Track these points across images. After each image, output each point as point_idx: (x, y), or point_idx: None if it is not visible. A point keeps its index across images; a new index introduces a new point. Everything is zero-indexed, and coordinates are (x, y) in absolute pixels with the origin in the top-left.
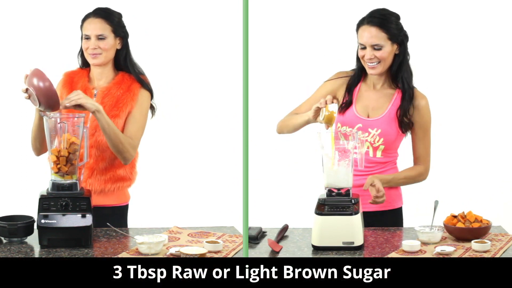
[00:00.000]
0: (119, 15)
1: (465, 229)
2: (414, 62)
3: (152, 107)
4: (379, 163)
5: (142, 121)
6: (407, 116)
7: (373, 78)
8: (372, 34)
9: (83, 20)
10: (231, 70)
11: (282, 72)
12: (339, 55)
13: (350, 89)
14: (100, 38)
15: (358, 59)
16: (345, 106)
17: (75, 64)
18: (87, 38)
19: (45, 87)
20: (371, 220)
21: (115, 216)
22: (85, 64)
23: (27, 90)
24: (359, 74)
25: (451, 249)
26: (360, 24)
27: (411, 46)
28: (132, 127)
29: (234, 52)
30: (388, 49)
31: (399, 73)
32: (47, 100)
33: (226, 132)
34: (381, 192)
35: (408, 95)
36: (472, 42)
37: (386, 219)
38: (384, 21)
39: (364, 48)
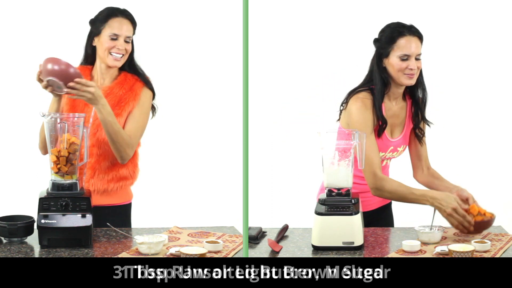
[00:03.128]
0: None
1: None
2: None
3: (153, 108)
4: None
5: (142, 120)
6: (419, 122)
7: (396, 90)
8: (418, 44)
9: (107, 18)
10: (231, 70)
11: (282, 72)
12: (339, 55)
13: (379, 108)
14: (127, 40)
15: (382, 70)
16: (380, 129)
17: (71, 58)
18: (114, 38)
19: (63, 68)
20: (373, 219)
21: (119, 215)
22: (90, 61)
23: (47, 82)
24: (383, 90)
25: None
26: (401, 34)
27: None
28: (131, 126)
29: (234, 52)
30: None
31: (420, 84)
32: (71, 79)
33: (226, 132)
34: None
35: (423, 103)
36: (477, 43)
37: (377, 215)
38: (419, 32)
39: (406, 59)
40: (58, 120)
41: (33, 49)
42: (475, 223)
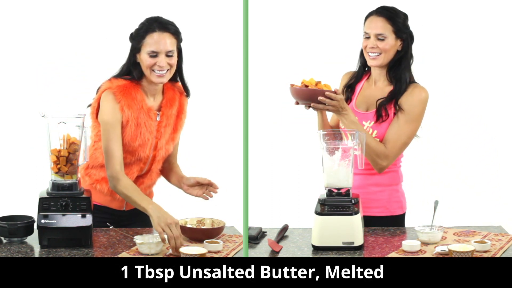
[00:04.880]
0: (178, 28)
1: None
2: (416, 62)
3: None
4: None
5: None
6: (384, 106)
7: (374, 74)
8: (378, 24)
9: (146, 32)
10: (231, 70)
11: (282, 72)
12: (339, 55)
13: (351, 86)
14: (169, 55)
15: (361, 54)
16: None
17: (104, 64)
18: (154, 55)
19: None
20: (369, 224)
21: (141, 216)
22: (137, 76)
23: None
24: (361, 72)
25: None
26: (369, 15)
27: (416, 46)
28: (176, 146)
29: (234, 52)
30: (391, 42)
31: (398, 70)
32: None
33: (226, 132)
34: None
35: (399, 90)
36: (478, 45)
37: (384, 226)
38: (393, 14)
39: (368, 37)
40: (58, 120)
41: (33, 49)
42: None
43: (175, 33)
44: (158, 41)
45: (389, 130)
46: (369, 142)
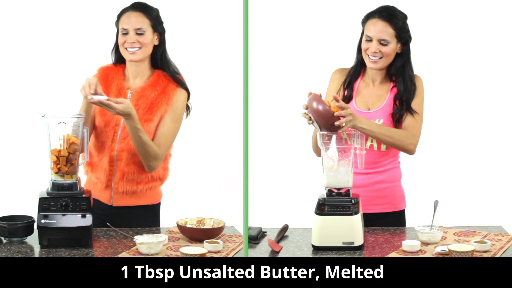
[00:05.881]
0: (157, 10)
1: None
2: (416, 62)
3: (187, 107)
4: (383, 155)
5: (173, 127)
6: (403, 106)
7: (372, 73)
8: (381, 29)
9: (120, 15)
10: (231, 70)
11: (282, 71)
12: (339, 55)
13: (349, 83)
14: (139, 32)
15: (359, 51)
16: (345, 101)
17: (108, 59)
18: (125, 32)
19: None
20: (374, 221)
21: (147, 215)
22: (119, 61)
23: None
24: (359, 68)
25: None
26: (369, 16)
27: (413, 43)
28: (161, 134)
29: (234, 52)
30: (393, 47)
31: (403, 72)
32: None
33: (226, 132)
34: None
35: (409, 90)
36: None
37: (389, 221)
38: (394, 18)
39: (369, 40)
40: (58, 120)
41: (33, 49)
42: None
43: (146, 11)
44: (128, 18)
45: (406, 121)
46: (391, 132)
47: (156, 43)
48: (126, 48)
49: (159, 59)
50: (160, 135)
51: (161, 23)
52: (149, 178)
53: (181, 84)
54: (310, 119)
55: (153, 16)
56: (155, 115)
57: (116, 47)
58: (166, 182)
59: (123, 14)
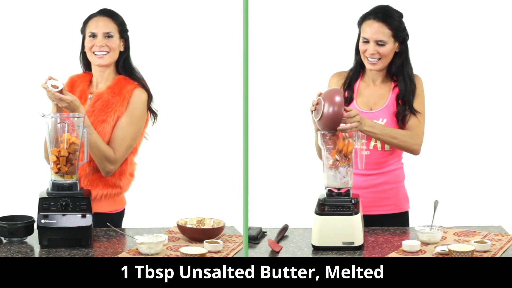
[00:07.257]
0: (122, 17)
1: None
2: (416, 62)
3: (153, 113)
4: (387, 155)
5: (131, 130)
6: (406, 106)
7: (372, 74)
8: (377, 30)
9: (87, 20)
10: (231, 70)
11: (282, 72)
12: (339, 56)
13: (350, 85)
14: (108, 36)
15: (357, 52)
16: (345, 103)
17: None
18: (93, 36)
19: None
20: (378, 223)
21: (108, 223)
22: (88, 67)
23: (317, 103)
24: (358, 69)
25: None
26: (365, 18)
27: (412, 43)
28: (116, 138)
29: (234, 52)
30: (391, 46)
31: (402, 71)
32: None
33: (226, 132)
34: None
35: (410, 90)
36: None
37: (393, 223)
38: (389, 17)
39: (367, 42)
40: (58, 120)
41: (33, 49)
42: None
43: (114, 17)
44: (96, 22)
45: (409, 122)
46: (396, 133)
47: (122, 49)
48: (93, 52)
49: (121, 65)
50: (114, 138)
51: (127, 30)
52: (106, 184)
53: (141, 84)
54: (317, 104)
55: (119, 22)
56: (109, 116)
57: (83, 53)
58: (166, 182)
59: (91, 19)
